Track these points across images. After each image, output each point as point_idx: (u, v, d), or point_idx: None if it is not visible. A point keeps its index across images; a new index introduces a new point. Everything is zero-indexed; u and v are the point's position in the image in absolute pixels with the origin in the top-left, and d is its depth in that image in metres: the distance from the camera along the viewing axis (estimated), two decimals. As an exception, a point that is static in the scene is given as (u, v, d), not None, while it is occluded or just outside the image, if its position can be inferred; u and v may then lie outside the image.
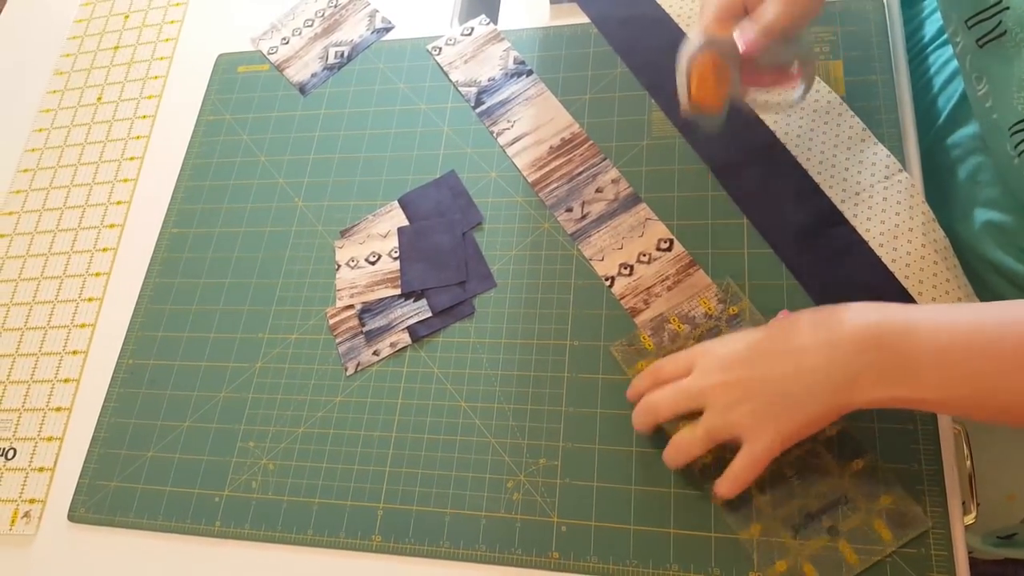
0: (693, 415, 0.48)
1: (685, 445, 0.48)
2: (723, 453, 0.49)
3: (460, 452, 0.55)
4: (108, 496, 0.60)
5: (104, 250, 0.71)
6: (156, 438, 0.61)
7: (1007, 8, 0.48)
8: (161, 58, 0.79)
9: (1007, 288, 0.56)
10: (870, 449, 0.49)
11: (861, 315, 0.43)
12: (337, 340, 0.61)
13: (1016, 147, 0.49)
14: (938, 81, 0.66)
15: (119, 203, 0.72)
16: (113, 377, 0.65)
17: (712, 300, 0.55)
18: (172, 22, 0.80)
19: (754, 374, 0.45)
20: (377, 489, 0.55)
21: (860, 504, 0.47)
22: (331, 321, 0.62)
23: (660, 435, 0.51)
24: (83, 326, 0.68)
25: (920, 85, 0.64)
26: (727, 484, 0.47)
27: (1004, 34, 0.49)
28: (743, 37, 0.49)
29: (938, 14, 0.67)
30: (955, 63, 0.64)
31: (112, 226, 0.72)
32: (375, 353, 0.60)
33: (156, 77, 0.78)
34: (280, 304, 0.64)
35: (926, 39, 0.68)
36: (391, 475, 0.55)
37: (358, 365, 0.60)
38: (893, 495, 0.47)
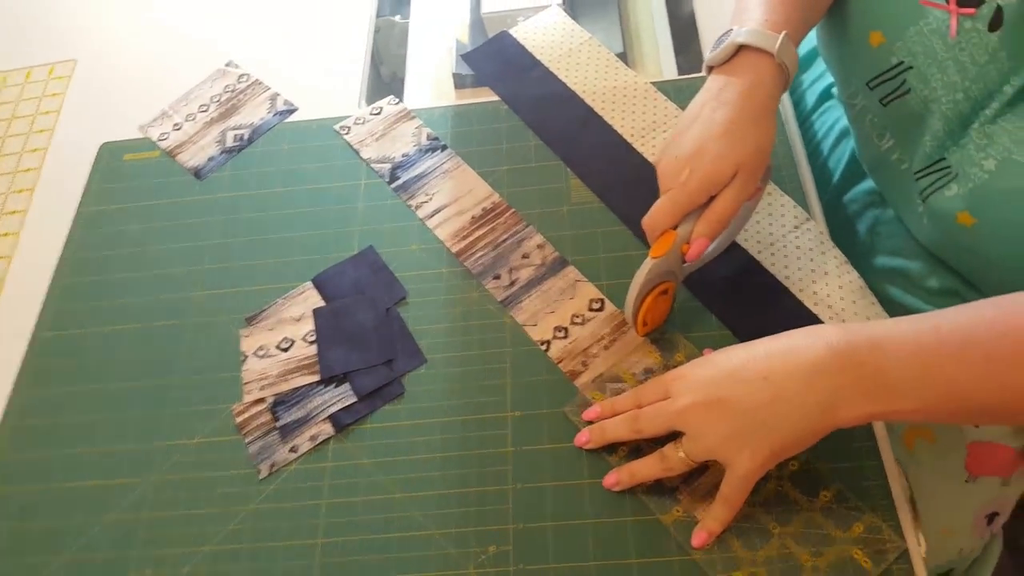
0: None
1: (671, 463, 0.47)
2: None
3: (398, 551, 0.48)
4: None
5: (-42, 363, 0.60)
6: (20, 582, 0.50)
7: (911, 68, 0.51)
8: (34, 150, 0.72)
9: None
10: (833, 482, 0.48)
11: (825, 337, 0.43)
12: (247, 440, 0.54)
13: (922, 192, 0.52)
14: (826, 145, 0.70)
15: (-21, 308, 0.63)
16: (-34, 513, 0.54)
17: (654, 353, 0.54)
18: (47, 112, 0.74)
19: (731, 396, 0.44)
20: (303, 608, 0.47)
21: (836, 535, 0.46)
22: (238, 419, 0.55)
23: (619, 501, 0.48)
24: (-74, 455, 0.56)
25: (809, 150, 0.68)
26: (712, 523, 0.46)
27: (908, 92, 0.52)
28: (695, 247, 0.50)
29: (818, 84, 0.72)
30: (840, 126, 0.69)
31: (-31, 335, 0.62)
32: (292, 450, 0.53)
33: (28, 170, 0.70)
34: (176, 406, 0.56)
35: (808, 108, 0.73)
36: (319, 589, 0.48)
37: (272, 466, 0.53)
38: (864, 523, 0.46)
